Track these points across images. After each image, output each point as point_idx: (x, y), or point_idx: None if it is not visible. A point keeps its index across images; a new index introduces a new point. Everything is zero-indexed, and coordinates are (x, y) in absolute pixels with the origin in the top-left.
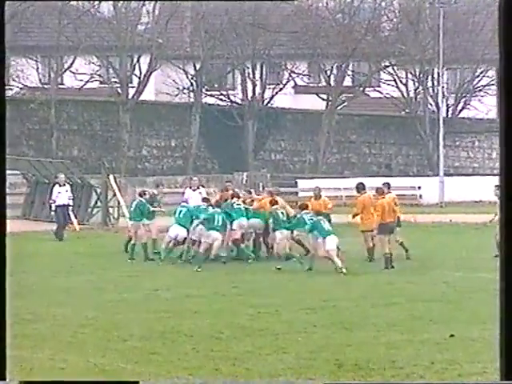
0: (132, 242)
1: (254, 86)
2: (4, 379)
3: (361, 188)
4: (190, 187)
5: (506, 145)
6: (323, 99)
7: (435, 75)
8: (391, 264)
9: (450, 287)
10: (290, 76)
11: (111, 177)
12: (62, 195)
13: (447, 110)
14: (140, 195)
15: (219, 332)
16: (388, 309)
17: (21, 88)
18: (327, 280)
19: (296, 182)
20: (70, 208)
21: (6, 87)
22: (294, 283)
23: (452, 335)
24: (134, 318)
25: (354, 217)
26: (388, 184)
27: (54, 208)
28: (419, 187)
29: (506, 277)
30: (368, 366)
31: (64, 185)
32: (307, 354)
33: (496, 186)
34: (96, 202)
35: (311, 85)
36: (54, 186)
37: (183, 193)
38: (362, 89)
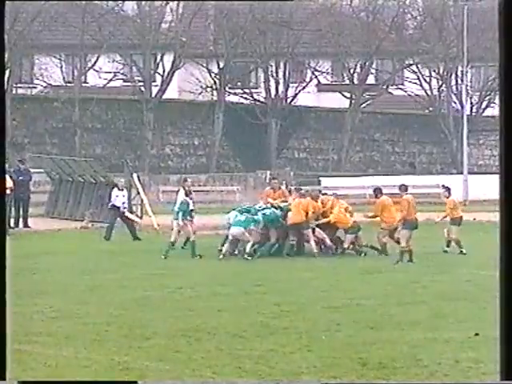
0: (191, 238)
1: (277, 84)
2: (4, 379)
3: (378, 192)
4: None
5: (506, 145)
6: (346, 97)
7: (459, 73)
8: (411, 258)
9: (474, 286)
10: (314, 74)
11: (134, 175)
12: (118, 198)
13: (471, 108)
14: (186, 195)
15: (243, 330)
16: (412, 307)
17: (45, 86)
18: (351, 276)
19: (319, 181)
20: (126, 210)
21: (31, 85)
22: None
23: (477, 334)
24: (158, 315)
25: (370, 217)
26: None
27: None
28: (443, 185)
29: (505, 277)
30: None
31: (122, 189)
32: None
33: (443, 185)
34: None
35: (334, 83)
36: (112, 188)
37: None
38: (385, 87)
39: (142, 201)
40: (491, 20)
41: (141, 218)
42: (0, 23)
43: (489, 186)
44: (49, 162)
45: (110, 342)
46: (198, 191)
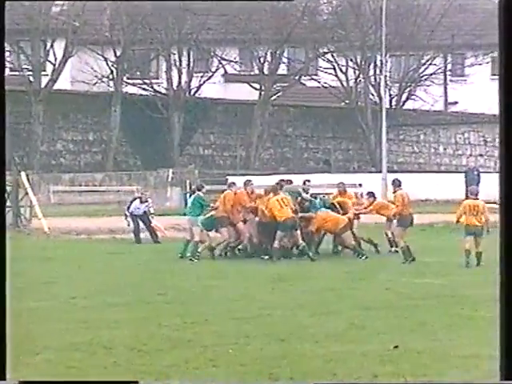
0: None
1: (180, 74)
2: (4, 379)
3: (397, 185)
4: None
5: (506, 145)
6: (256, 89)
7: (378, 63)
8: (411, 255)
9: (394, 294)
10: (220, 63)
11: (23, 174)
12: (140, 210)
13: (390, 101)
14: (198, 189)
15: (142, 344)
16: (327, 317)
17: None
18: (262, 284)
19: (226, 179)
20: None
21: None
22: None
23: (396, 346)
24: (48, 328)
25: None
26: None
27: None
28: (360, 184)
29: (505, 277)
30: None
31: (145, 201)
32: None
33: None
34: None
35: (243, 73)
36: (134, 199)
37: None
38: (298, 77)
39: (30, 202)
40: (412, 4)
41: (29, 220)
42: (0, 23)
43: (409, 185)
44: None
45: None
46: (92, 191)
